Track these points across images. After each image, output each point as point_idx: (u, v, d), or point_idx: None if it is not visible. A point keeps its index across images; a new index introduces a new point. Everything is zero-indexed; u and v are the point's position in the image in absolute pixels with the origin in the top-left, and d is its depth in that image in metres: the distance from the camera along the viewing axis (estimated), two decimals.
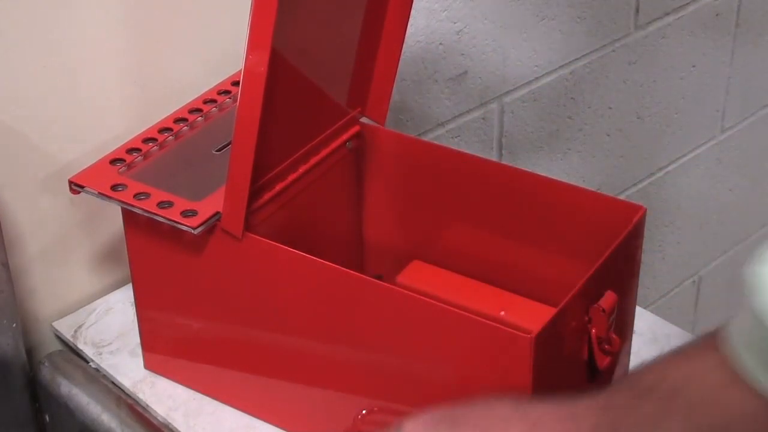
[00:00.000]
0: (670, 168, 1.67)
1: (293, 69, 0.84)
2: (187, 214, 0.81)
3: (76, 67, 0.95)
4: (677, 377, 0.64)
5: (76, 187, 0.86)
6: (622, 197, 1.51)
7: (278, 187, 0.87)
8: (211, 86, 0.98)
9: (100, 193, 0.84)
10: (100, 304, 1.02)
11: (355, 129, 0.96)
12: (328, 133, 0.92)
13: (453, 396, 0.77)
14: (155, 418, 0.90)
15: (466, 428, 0.69)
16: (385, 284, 0.79)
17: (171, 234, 0.83)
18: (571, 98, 1.44)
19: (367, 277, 0.78)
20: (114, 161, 0.88)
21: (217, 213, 0.81)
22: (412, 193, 0.98)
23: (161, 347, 0.93)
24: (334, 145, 0.93)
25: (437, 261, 0.97)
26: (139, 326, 0.93)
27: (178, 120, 0.93)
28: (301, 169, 0.90)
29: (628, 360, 0.90)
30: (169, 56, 1.01)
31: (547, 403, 0.69)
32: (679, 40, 1.55)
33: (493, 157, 1.36)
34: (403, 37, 0.93)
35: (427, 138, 1.27)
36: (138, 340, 0.94)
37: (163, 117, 0.93)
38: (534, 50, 1.35)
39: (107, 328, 0.99)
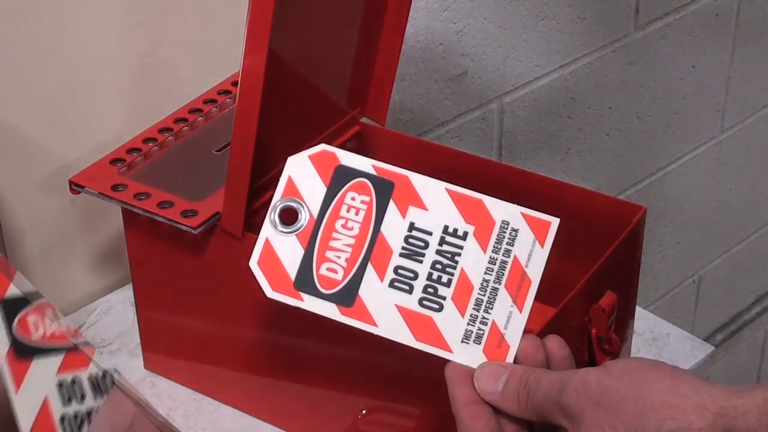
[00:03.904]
0: (670, 168, 1.67)
1: (292, 69, 0.84)
2: (187, 214, 0.81)
3: (76, 67, 0.95)
4: None
5: (76, 187, 0.85)
6: (622, 197, 1.51)
7: None
8: (211, 86, 0.98)
9: (100, 193, 0.84)
10: (100, 304, 1.02)
11: (355, 129, 0.95)
12: (328, 133, 0.92)
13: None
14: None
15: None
16: None
17: (171, 234, 0.83)
18: (571, 98, 1.44)
19: None
20: (114, 161, 0.88)
21: (217, 213, 0.81)
22: None
23: (161, 347, 0.92)
24: (334, 145, 0.93)
25: None
26: (139, 326, 0.93)
27: (178, 120, 0.93)
28: None
29: None
30: (169, 56, 1.01)
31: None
32: (679, 40, 1.55)
33: (493, 157, 1.36)
34: (403, 37, 0.93)
35: (427, 138, 1.27)
36: (138, 340, 0.94)
37: (163, 117, 0.93)
38: (534, 50, 1.35)
39: (107, 328, 0.99)
